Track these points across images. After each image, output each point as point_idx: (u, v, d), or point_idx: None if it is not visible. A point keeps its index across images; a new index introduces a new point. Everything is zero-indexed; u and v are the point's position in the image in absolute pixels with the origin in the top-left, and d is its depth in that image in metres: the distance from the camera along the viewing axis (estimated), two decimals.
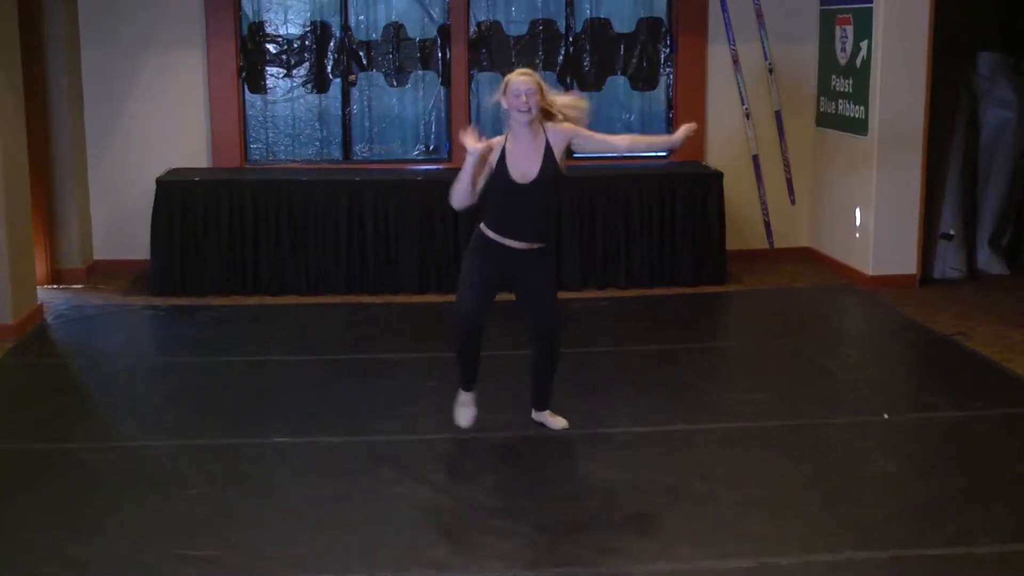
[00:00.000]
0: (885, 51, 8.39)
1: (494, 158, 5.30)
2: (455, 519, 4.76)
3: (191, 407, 6.16)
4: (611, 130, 9.62)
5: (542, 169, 5.27)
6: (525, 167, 5.26)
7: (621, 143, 5.71)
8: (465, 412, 5.60)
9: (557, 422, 5.69)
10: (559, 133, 5.32)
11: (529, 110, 5.21)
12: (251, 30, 9.23)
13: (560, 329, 5.60)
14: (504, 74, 5.48)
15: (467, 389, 5.60)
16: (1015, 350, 7.01)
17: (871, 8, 8.44)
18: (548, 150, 5.29)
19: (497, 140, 5.35)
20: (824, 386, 6.55)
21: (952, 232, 8.89)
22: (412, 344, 7.32)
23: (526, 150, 5.28)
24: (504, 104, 5.31)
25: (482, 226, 5.39)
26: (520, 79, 5.24)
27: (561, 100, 5.37)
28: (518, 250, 5.33)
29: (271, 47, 9.27)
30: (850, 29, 8.78)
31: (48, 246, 8.61)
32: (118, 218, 9.12)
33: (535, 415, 5.74)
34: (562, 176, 5.37)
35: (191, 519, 4.72)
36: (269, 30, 9.26)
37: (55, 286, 8.63)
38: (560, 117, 5.32)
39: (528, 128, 5.27)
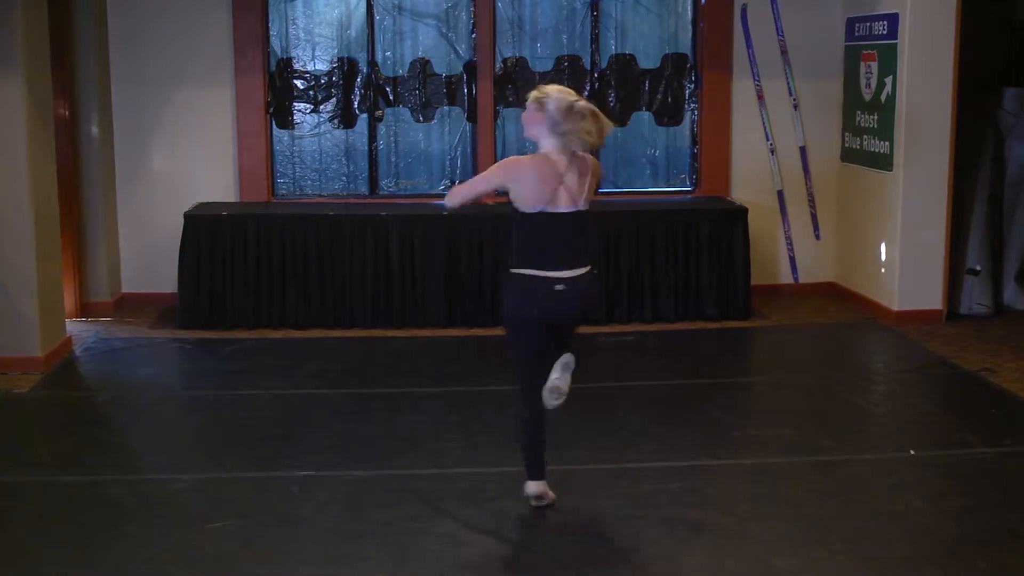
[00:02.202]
0: (910, 87, 8.40)
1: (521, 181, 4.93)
2: (478, 554, 4.75)
3: (217, 440, 6.18)
4: (638, 166, 9.74)
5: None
6: (571, 188, 4.92)
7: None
8: (542, 500, 5.16)
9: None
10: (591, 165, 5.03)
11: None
12: (279, 66, 9.32)
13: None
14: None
15: (540, 476, 5.16)
16: None
17: (896, 44, 8.46)
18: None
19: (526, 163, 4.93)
20: (850, 422, 6.52)
21: (978, 267, 8.86)
22: (437, 378, 7.34)
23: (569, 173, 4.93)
24: (564, 128, 4.84)
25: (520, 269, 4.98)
26: (582, 101, 4.87)
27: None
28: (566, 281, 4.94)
29: (298, 83, 9.36)
30: (875, 65, 8.80)
31: (77, 279, 8.68)
32: (146, 252, 9.20)
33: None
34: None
35: (217, 552, 4.73)
36: (297, 66, 9.35)
37: (83, 319, 8.69)
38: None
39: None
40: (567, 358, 4.92)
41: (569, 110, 4.83)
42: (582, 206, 4.93)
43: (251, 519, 5.06)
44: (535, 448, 5.10)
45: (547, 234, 4.87)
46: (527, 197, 4.85)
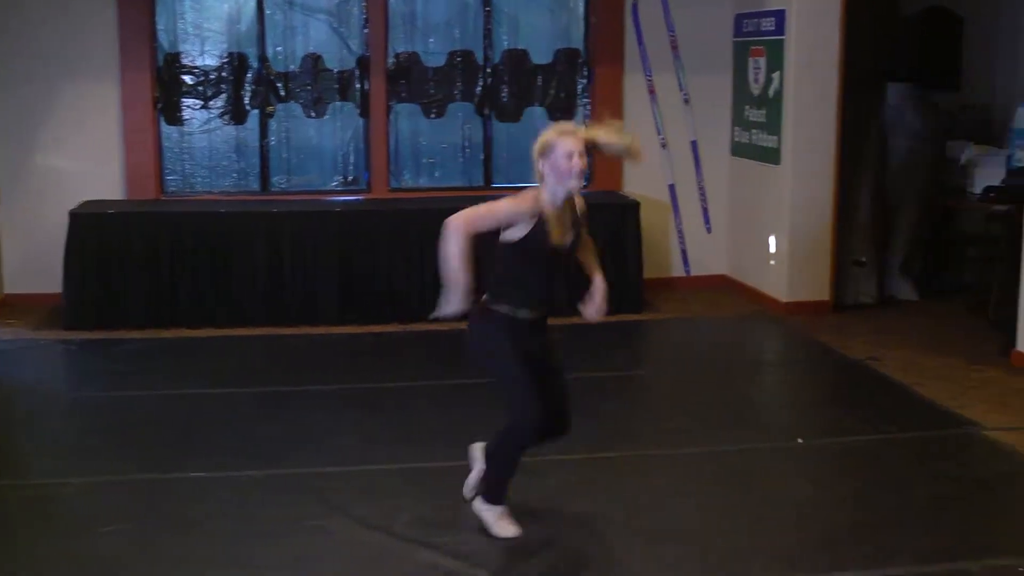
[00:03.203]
0: (797, 82, 8.56)
1: (527, 223, 4.57)
2: (377, 551, 4.73)
3: (107, 443, 6.06)
4: (530, 163, 9.72)
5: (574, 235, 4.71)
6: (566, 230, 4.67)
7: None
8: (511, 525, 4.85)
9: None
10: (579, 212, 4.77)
11: (582, 175, 4.57)
12: (167, 61, 9.17)
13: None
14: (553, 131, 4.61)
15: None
16: (925, 375, 7.16)
17: (783, 40, 8.62)
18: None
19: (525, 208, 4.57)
20: (741, 412, 6.63)
21: (864, 259, 9.06)
22: (332, 375, 7.29)
23: (563, 215, 4.64)
24: (545, 168, 4.56)
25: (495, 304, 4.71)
26: (568, 140, 4.54)
27: (603, 138, 4.63)
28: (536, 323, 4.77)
29: (187, 78, 9.22)
30: (763, 60, 8.95)
31: None
32: (30, 251, 8.97)
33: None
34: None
35: (109, 557, 4.64)
36: (185, 61, 9.21)
37: None
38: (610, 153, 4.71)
39: (566, 193, 4.62)
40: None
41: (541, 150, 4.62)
42: (568, 250, 4.70)
43: (144, 523, 4.98)
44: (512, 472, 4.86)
45: (531, 273, 4.66)
46: (521, 233, 4.60)
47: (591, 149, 4.62)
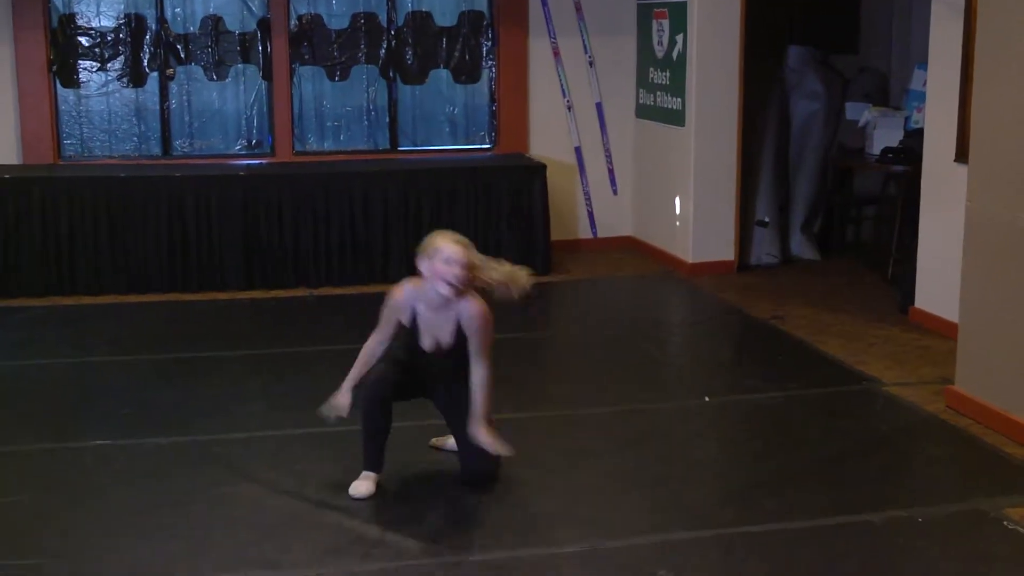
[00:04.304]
0: (700, 44, 8.61)
1: (406, 318, 4.80)
2: (283, 517, 4.70)
3: (4, 412, 5.92)
4: (436, 124, 9.73)
5: (456, 339, 4.81)
6: (438, 335, 4.82)
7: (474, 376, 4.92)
8: (363, 485, 4.87)
9: None
10: (465, 315, 4.77)
11: (456, 285, 4.63)
12: (61, 23, 8.94)
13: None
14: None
15: (372, 469, 4.91)
16: (827, 332, 7.29)
17: (685, 3, 8.65)
18: (459, 326, 4.79)
19: (402, 299, 4.80)
20: (649, 372, 6.69)
21: (767, 219, 9.18)
22: (237, 341, 7.21)
23: (438, 318, 4.78)
24: (426, 270, 4.66)
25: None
26: (454, 248, 4.64)
27: (496, 274, 4.83)
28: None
29: (83, 40, 9.00)
30: (666, 23, 8.98)
31: None
32: None
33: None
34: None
35: (7, 528, 4.55)
36: (81, 22, 8.98)
37: None
38: (495, 288, 4.84)
39: (441, 297, 4.71)
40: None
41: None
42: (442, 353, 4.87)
43: (43, 492, 4.88)
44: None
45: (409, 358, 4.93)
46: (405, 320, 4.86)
47: (473, 271, 4.71)
